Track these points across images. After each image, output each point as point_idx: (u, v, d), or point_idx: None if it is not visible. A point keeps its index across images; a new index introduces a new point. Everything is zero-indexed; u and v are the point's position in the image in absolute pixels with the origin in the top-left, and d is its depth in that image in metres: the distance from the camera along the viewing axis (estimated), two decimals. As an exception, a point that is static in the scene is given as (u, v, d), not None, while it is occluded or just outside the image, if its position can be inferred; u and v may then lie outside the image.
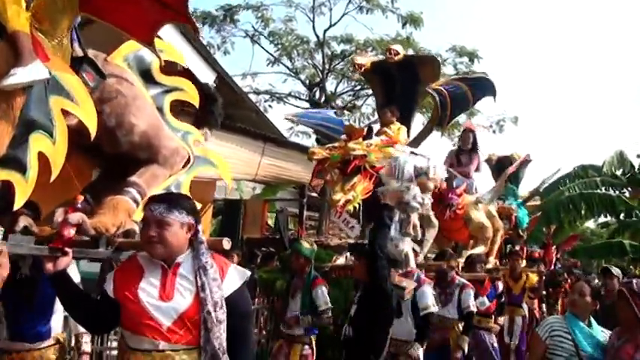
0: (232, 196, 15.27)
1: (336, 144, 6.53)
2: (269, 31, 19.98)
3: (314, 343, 6.15)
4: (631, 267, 14.79)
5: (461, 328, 6.60)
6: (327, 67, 19.77)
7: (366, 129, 6.98)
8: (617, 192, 17.90)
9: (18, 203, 2.82)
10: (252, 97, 17.88)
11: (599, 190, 17.49)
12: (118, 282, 2.78)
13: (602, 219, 16.83)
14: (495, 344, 7.87)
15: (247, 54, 25.67)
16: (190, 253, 2.82)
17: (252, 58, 25.38)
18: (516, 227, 11.29)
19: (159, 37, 3.64)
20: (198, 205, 3.72)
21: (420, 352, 5.57)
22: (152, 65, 4.05)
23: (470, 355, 7.56)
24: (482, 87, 8.50)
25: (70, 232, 2.98)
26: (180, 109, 4.52)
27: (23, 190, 2.83)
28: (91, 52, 3.57)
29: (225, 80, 9.19)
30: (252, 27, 19.85)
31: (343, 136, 6.68)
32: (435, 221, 7.84)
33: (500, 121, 20.32)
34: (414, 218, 6.38)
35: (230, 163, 10.12)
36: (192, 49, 9.45)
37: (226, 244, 3.04)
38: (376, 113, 9.55)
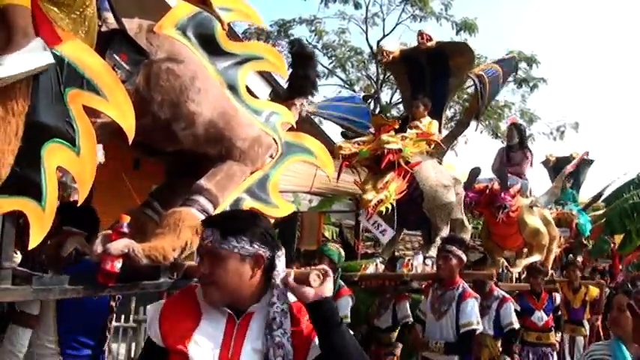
0: (290, 209, 14.68)
1: (365, 138, 5.67)
2: (323, 43, 19.57)
3: None
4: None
5: (499, 346, 5.65)
6: (381, 77, 18.90)
7: (399, 121, 6.03)
8: (683, 197, 16.35)
9: (34, 240, 2.02)
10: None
11: None
12: (166, 325, 1.83)
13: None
14: None
15: (302, 67, 25.11)
16: (268, 298, 1.87)
17: (306, 71, 24.85)
18: (578, 235, 9.95)
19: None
20: None
21: None
22: (217, 30, 2.98)
23: None
24: (507, 66, 7.54)
25: (115, 265, 2.26)
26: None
27: (40, 222, 2.03)
28: (131, 22, 2.66)
29: (280, 94, 8.57)
30: (307, 40, 19.27)
31: (371, 129, 5.74)
32: (468, 226, 6.90)
33: (560, 127, 19.27)
34: None
35: (286, 176, 9.68)
36: None
37: (315, 280, 1.90)
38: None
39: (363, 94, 19.34)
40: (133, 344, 6.44)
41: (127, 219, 2.50)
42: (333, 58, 19.42)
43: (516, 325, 5.56)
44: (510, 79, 18.56)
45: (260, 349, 1.80)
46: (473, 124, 7.35)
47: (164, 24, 2.81)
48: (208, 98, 2.82)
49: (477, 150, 36.44)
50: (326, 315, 1.81)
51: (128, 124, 2.31)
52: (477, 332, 4.72)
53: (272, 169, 3.19)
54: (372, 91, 19.38)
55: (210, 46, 2.96)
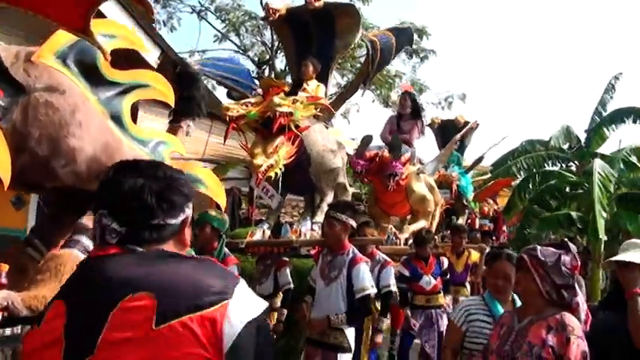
0: (182, 176, 14.22)
1: (253, 99, 5.38)
2: (216, 6, 18.73)
3: None
4: (578, 237, 14.01)
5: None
6: (276, 44, 18.49)
7: (287, 84, 5.81)
8: (564, 165, 17.40)
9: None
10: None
11: (546, 165, 17.08)
12: None
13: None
14: (446, 324, 6.78)
15: (195, 30, 24.25)
16: None
17: (199, 34, 24.00)
18: (459, 197, 10.19)
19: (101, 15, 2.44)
20: None
21: (350, 335, 4.55)
22: (99, 58, 2.75)
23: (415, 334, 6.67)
24: (403, 36, 7.38)
25: None
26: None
27: None
28: (8, 50, 2.42)
29: (170, 57, 8.19)
30: (199, 2, 18.56)
31: (258, 90, 5.50)
32: (349, 189, 6.81)
33: (448, 97, 19.71)
34: None
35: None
36: (134, 24, 8.62)
37: None
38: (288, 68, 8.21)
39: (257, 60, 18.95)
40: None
41: (5, 268, 2.33)
42: (227, 22, 18.70)
43: (393, 288, 5.55)
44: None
45: None
46: (361, 91, 7.24)
47: (43, 52, 2.56)
48: (90, 132, 2.61)
49: (369, 118, 37.13)
50: None
51: (3, 170, 2.11)
52: (372, 296, 4.67)
53: None
54: (267, 57, 18.98)
55: (92, 75, 2.74)
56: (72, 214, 2.77)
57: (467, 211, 10.94)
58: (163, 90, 3.15)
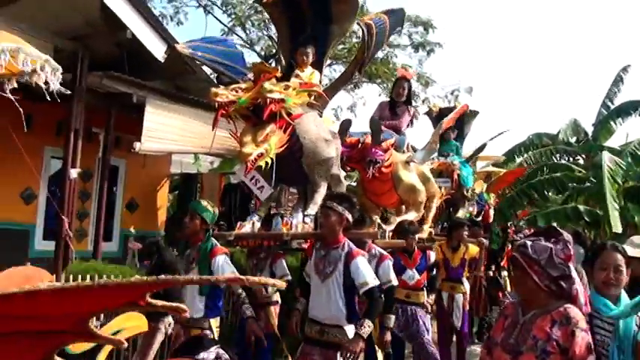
0: (190, 170, 14.54)
1: (243, 85, 5.06)
2: (222, 0, 18.38)
3: (215, 327, 4.70)
4: (585, 231, 13.60)
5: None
6: (283, 37, 18.10)
7: (279, 69, 5.46)
8: (572, 159, 17.11)
9: None
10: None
11: (554, 158, 16.91)
12: None
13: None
14: (427, 322, 6.45)
15: (201, 24, 24.06)
16: None
17: (205, 28, 23.66)
18: (460, 187, 9.76)
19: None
20: None
21: (350, 332, 4.22)
22: None
23: (398, 335, 6.30)
24: (395, 17, 6.79)
25: None
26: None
27: None
28: None
29: (177, 51, 7.97)
30: (206, -5, 18.21)
31: (249, 76, 5.17)
32: (344, 182, 6.35)
33: (454, 91, 19.21)
34: None
35: (184, 136, 8.92)
36: (142, 20, 8.42)
37: None
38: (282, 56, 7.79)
39: (263, 54, 18.56)
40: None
41: None
42: (233, 16, 18.44)
43: (395, 282, 5.23)
44: (407, 43, 18.53)
45: None
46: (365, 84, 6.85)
47: None
48: None
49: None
50: None
51: None
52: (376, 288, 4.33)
53: None
54: (274, 51, 18.64)
55: None
56: None
57: (466, 201, 10.44)
58: (136, 324, 3.09)
